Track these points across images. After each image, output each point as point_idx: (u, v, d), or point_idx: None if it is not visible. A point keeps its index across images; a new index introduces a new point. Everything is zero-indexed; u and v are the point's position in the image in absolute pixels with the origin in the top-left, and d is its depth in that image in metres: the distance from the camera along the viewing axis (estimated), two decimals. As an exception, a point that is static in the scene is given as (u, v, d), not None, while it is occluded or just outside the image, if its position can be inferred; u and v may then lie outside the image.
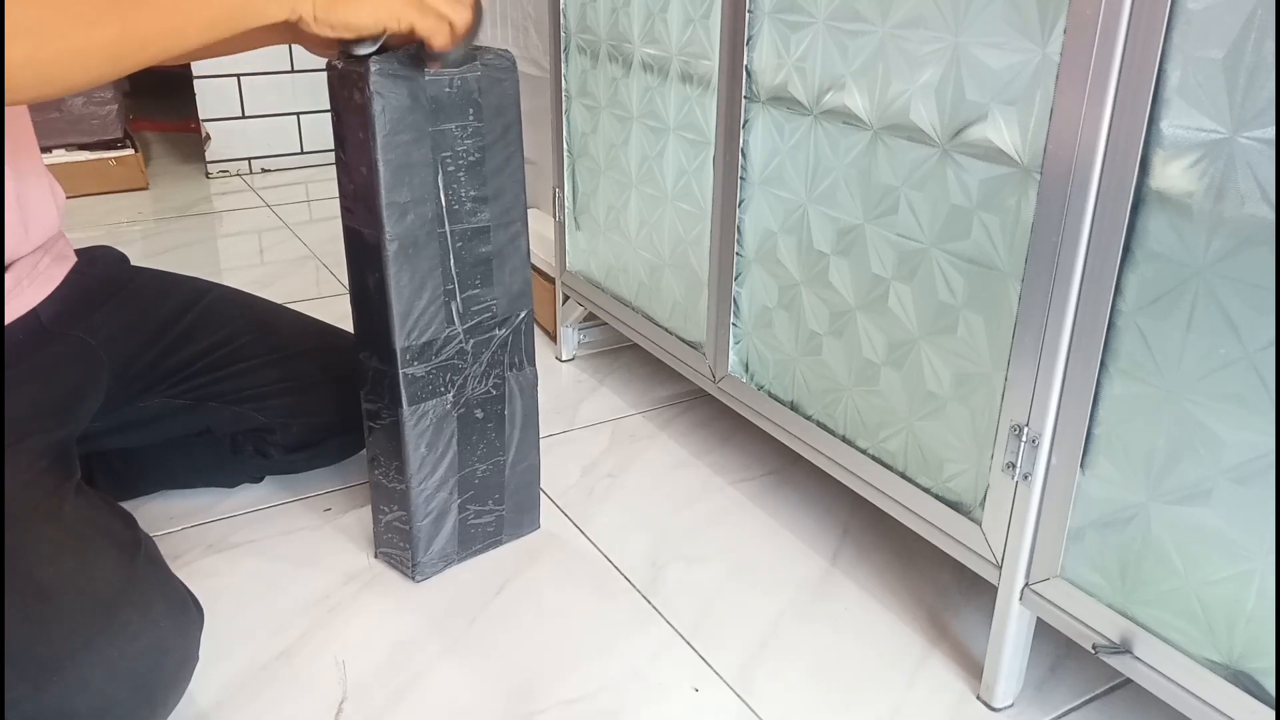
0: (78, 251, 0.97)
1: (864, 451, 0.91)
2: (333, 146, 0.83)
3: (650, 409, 1.30)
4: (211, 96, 2.42)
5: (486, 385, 0.93)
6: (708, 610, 0.92)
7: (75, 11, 0.62)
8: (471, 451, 0.94)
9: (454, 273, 0.87)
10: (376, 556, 0.98)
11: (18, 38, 0.59)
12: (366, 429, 0.93)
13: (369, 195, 0.81)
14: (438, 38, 0.76)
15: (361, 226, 0.83)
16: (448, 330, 0.88)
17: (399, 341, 0.85)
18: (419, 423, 0.89)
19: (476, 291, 0.89)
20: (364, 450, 1.14)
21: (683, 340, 1.16)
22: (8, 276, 0.84)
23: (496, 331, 0.92)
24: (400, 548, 0.95)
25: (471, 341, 0.90)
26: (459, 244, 0.86)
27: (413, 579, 0.95)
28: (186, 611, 0.74)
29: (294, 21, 0.70)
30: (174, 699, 0.73)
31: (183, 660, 0.73)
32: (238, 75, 2.42)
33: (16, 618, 0.64)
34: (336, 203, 2.60)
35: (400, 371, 0.86)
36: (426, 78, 0.80)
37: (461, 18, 0.77)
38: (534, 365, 0.96)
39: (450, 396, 0.90)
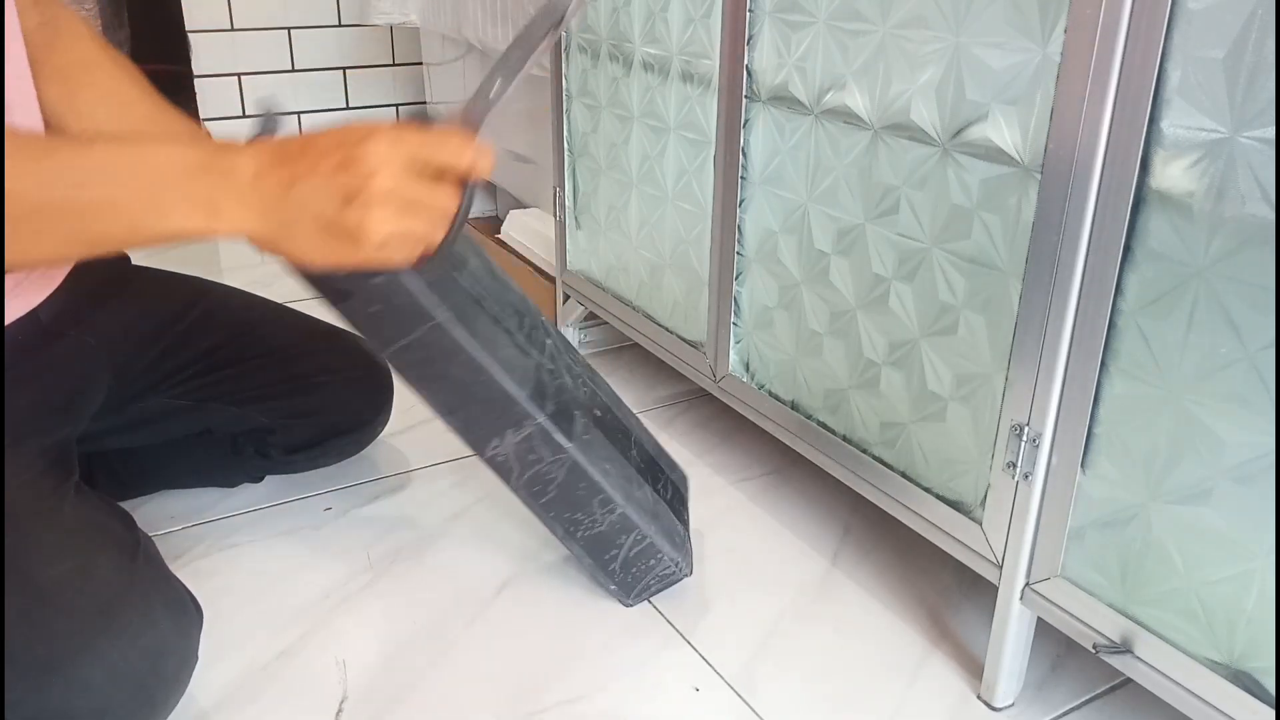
0: (79, 251, 0.97)
1: (865, 451, 0.91)
2: None
3: (651, 408, 1.30)
4: (212, 96, 2.42)
5: (577, 383, 0.92)
6: (708, 610, 0.92)
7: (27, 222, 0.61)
8: (619, 442, 0.92)
9: (494, 313, 0.85)
10: (631, 604, 0.92)
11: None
12: (539, 501, 0.87)
13: (406, 316, 0.77)
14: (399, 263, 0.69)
15: (412, 338, 0.78)
16: (528, 360, 0.86)
17: (521, 394, 0.81)
18: (587, 448, 0.86)
19: (514, 317, 0.89)
20: (364, 450, 1.15)
21: (683, 340, 1.16)
22: (8, 276, 0.84)
23: (545, 337, 0.91)
24: (657, 563, 0.90)
25: (543, 354, 0.89)
26: (483, 290, 0.85)
27: (690, 573, 0.93)
28: (186, 612, 0.74)
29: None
30: (174, 699, 0.73)
31: (182, 661, 0.73)
32: (238, 75, 2.41)
33: (16, 619, 0.64)
34: (337, 202, 2.53)
35: (543, 418, 0.82)
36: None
37: (435, 238, 0.68)
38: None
39: (579, 412, 0.88)
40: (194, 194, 0.63)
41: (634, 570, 0.91)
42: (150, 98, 0.92)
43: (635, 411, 1.27)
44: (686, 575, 0.93)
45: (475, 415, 0.82)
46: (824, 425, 0.96)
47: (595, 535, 0.89)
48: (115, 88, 0.91)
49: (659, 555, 0.90)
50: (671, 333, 1.18)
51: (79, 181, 0.62)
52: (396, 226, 0.64)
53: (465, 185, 0.67)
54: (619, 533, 0.89)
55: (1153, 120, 0.61)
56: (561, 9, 0.72)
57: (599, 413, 0.92)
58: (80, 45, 0.91)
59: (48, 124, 0.85)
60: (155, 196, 0.63)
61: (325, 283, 0.75)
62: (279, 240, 0.65)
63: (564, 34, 1.27)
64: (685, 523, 0.97)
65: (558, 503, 0.87)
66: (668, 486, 0.98)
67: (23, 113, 0.84)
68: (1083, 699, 0.83)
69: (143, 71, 0.95)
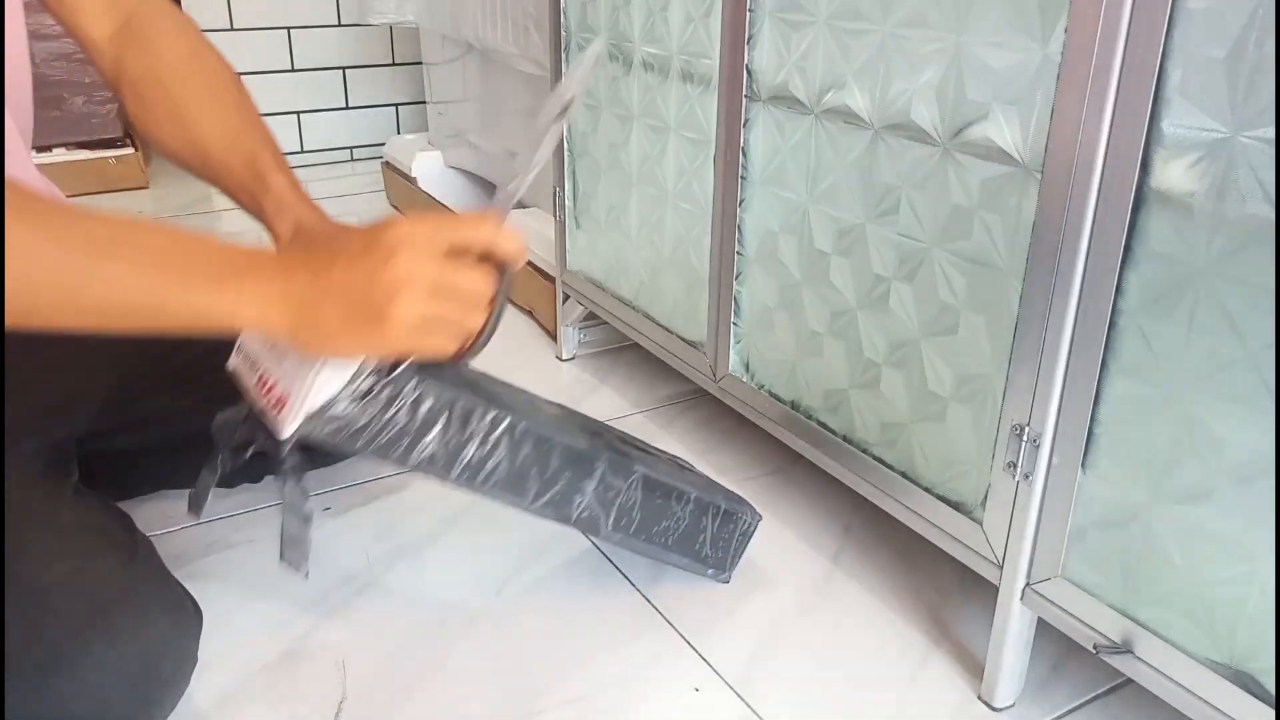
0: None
1: (865, 451, 0.91)
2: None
3: (651, 408, 1.30)
4: (212, 96, 2.42)
5: (566, 411, 0.92)
6: (709, 610, 0.92)
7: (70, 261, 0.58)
8: (631, 442, 0.93)
9: (493, 384, 0.84)
10: (728, 577, 0.95)
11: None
12: (630, 532, 0.87)
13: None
14: (434, 353, 0.67)
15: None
16: (551, 407, 0.87)
17: (581, 443, 0.82)
18: (640, 459, 0.87)
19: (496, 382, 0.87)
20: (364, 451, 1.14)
21: (683, 340, 1.16)
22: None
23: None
24: (735, 525, 0.94)
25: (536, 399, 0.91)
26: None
27: (760, 516, 0.96)
28: (185, 613, 0.74)
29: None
30: (173, 700, 0.73)
31: (181, 662, 0.73)
32: (238, 74, 2.41)
33: (14, 620, 0.64)
34: (337, 202, 2.60)
35: (605, 453, 0.83)
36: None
37: (472, 324, 0.66)
38: None
39: (602, 431, 0.89)
40: (222, 275, 0.62)
41: (720, 543, 0.93)
42: (221, 123, 0.86)
43: (635, 412, 1.27)
44: (760, 519, 0.97)
45: (560, 487, 0.82)
46: (824, 425, 0.96)
47: (681, 533, 0.91)
48: (180, 112, 0.85)
49: (734, 517, 0.94)
50: (671, 333, 1.18)
51: (106, 251, 0.60)
52: (428, 309, 0.63)
53: (502, 270, 0.67)
54: (698, 517, 0.91)
55: (1153, 120, 0.61)
56: (566, 99, 0.72)
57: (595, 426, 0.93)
58: (151, 52, 0.86)
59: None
60: (182, 271, 0.61)
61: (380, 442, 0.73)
62: (304, 327, 0.63)
63: (564, 33, 1.27)
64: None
65: (646, 523, 0.87)
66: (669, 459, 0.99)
67: (21, 111, 0.84)
68: (1083, 699, 0.83)
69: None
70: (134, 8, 0.88)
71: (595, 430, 0.90)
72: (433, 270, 0.63)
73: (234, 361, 0.77)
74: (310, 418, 0.69)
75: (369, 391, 0.70)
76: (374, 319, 0.62)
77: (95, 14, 0.87)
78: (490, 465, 0.77)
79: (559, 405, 0.92)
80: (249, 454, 0.74)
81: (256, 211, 0.84)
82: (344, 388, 0.69)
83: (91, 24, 0.88)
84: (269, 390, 0.71)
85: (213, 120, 0.85)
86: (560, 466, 0.81)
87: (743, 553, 0.96)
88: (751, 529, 0.95)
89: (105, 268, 0.60)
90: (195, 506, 0.74)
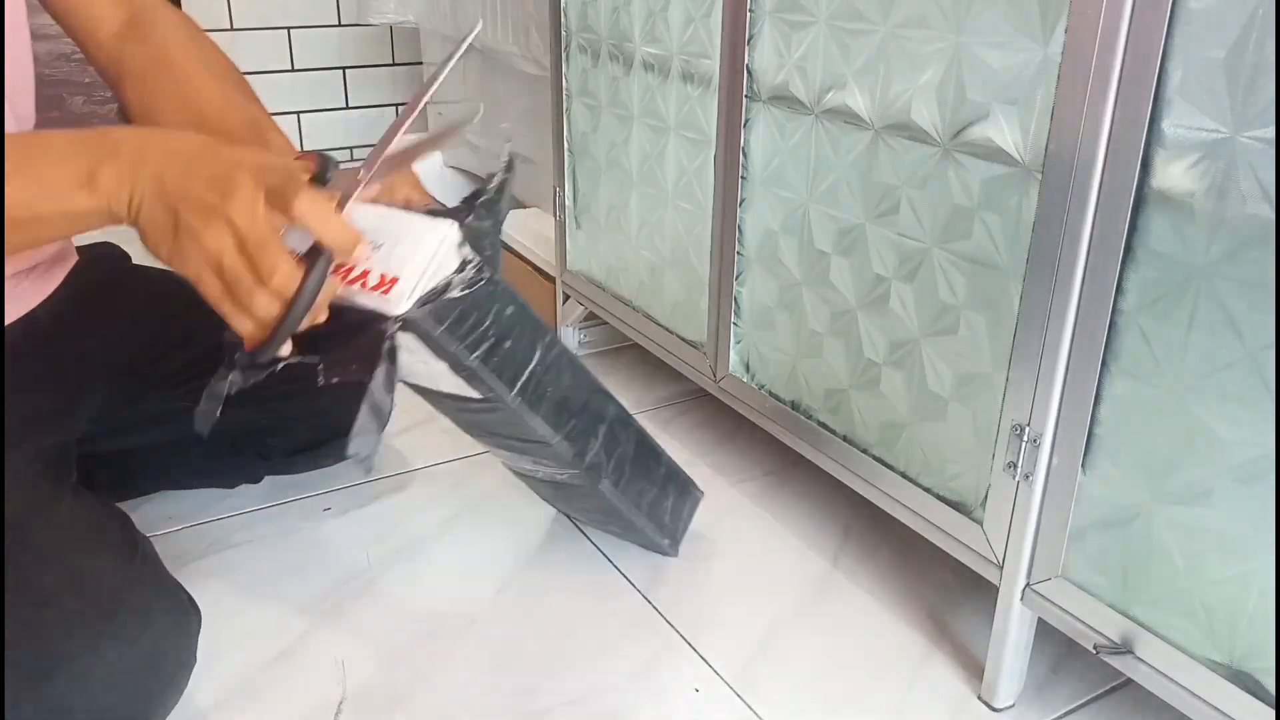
0: (79, 249, 0.97)
1: (865, 452, 0.91)
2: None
3: (651, 408, 1.30)
4: (212, 96, 2.41)
5: None
6: (709, 610, 0.92)
7: None
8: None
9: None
10: (675, 551, 0.98)
11: None
12: (620, 486, 0.89)
13: None
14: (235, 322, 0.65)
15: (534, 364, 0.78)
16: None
17: (597, 381, 0.86)
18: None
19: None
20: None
21: (683, 340, 1.16)
22: (7, 278, 0.84)
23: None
24: (688, 497, 0.98)
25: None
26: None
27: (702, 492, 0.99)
28: (184, 614, 0.74)
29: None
30: (172, 701, 0.73)
31: (181, 662, 0.73)
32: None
33: (14, 621, 0.64)
34: (337, 202, 2.54)
35: (611, 398, 0.86)
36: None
37: (260, 308, 0.63)
38: None
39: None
40: (78, 167, 0.62)
41: (677, 514, 0.97)
42: (219, 92, 0.86)
43: (635, 412, 1.27)
44: (703, 495, 1.01)
45: (583, 423, 0.84)
46: (824, 425, 0.96)
47: (653, 499, 0.93)
48: (181, 87, 0.86)
49: (689, 490, 0.99)
50: (671, 333, 1.18)
51: None
52: (231, 259, 0.61)
53: (316, 258, 0.62)
54: (665, 484, 0.94)
55: (1154, 120, 0.61)
56: (464, 121, 0.72)
57: None
58: (153, 44, 0.88)
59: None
60: (44, 171, 0.62)
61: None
62: (142, 220, 0.62)
63: (565, 33, 1.27)
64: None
65: (633, 481, 0.90)
66: None
67: (22, 98, 0.84)
68: (1084, 700, 0.82)
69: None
70: (139, 12, 0.90)
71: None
72: (254, 229, 0.60)
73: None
74: (421, 299, 0.67)
75: (474, 282, 0.69)
76: (183, 234, 0.61)
77: (104, 11, 0.88)
78: (545, 386, 0.78)
79: None
80: (267, 365, 0.69)
81: None
82: (454, 273, 0.68)
83: (97, 21, 0.88)
84: (363, 276, 0.68)
85: (211, 92, 0.86)
86: (588, 400, 0.83)
87: (689, 527, 1.00)
88: (697, 504, 1.00)
89: None
90: (201, 425, 0.69)
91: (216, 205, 0.59)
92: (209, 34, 0.93)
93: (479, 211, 0.71)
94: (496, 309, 0.73)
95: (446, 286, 0.69)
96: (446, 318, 0.70)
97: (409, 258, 0.68)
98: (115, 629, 0.67)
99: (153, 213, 0.61)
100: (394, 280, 0.67)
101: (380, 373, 0.68)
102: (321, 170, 0.65)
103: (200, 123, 0.86)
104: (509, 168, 0.73)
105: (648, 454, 0.91)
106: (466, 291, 0.70)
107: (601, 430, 0.85)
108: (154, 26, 0.89)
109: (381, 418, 0.70)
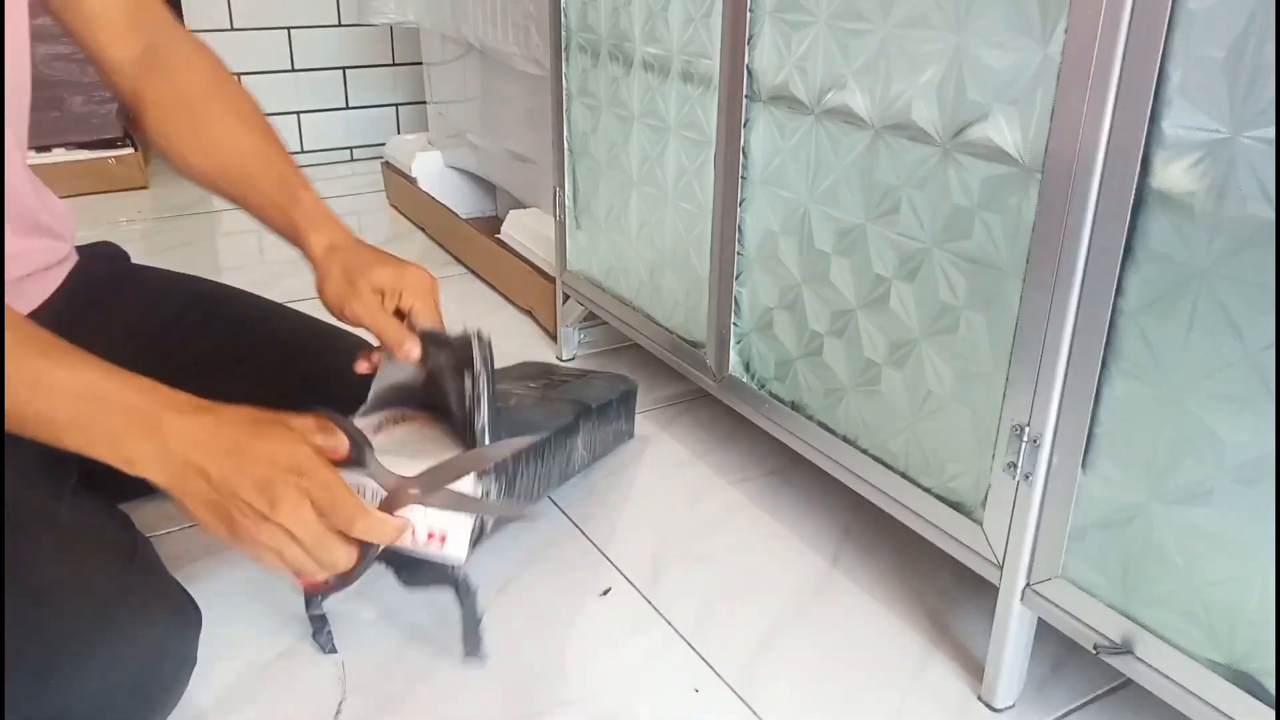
0: (79, 249, 0.97)
1: (865, 452, 0.91)
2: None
3: (651, 408, 1.30)
4: (212, 96, 2.41)
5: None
6: (708, 611, 0.92)
7: None
8: None
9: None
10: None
11: None
12: (593, 448, 1.10)
13: None
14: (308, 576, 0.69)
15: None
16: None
17: (566, 416, 1.04)
18: (585, 388, 1.15)
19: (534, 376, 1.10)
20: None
21: (684, 340, 1.16)
22: (8, 279, 0.84)
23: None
24: None
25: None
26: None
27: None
28: (184, 614, 0.74)
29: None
30: (172, 702, 0.73)
31: (180, 663, 0.73)
32: (238, 75, 2.41)
33: (13, 621, 0.64)
34: (337, 203, 2.58)
35: (579, 417, 1.01)
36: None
37: (336, 562, 0.68)
38: None
39: (550, 367, 1.14)
40: (118, 445, 0.64)
41: (626, 413, 1.22)
42: (247, 144, 0.87)
43: (636, 413, 1.27)
44: (637, 383, 1.24)
45: (566, 455, 1.03)
46: (824, 425, 0.96)
47: (615, 429, 1.18)
48: (202, 135, 0.87)
49: (632, 392, 1.23)
50: (671, 333, 1.18)
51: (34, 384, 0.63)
52: (291, 551, 0.65)
53: (367, 552, 0.68)
54: (619, 407, 1.18)
55: (1153, 120, 0.61)
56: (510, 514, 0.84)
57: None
58: (174, 82, 0.87)
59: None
60: (88, 435, 0.64)
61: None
62: (182, 495, 0.66)
63: (565, 33, 1.27)
64: None
65: (602, 439, 1.12)
66: None
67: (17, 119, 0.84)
68: (1083, 700, 0.82)
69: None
70: (154, 34, 0.89)
71: (550, 383, 1.04)
72: (305, 535, 0.65)
73: None
74: (473, 539, 0.76)
75: (501, 488, 0.79)
76: (240, 530, 0.65)
77: (115, 35, 0.88)
78: (553, 472, 0.89)
79: (529, 376, 1.07)
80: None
81: (287, 227, 0.85)
82: (484, 497, 0.76)
83: (112, 45, 0.88)
84: (412, 534, 0.75)
85: (238, 141, 0.87)
86: (563, 445, 1.00)
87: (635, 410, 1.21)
88: (636, 387, 1.22)
89: (22, 407, 0.63)
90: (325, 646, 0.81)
91: (267, 514, 0.64)
92: (205, 34, 0.92)
93: (483, 439, 0.78)
94: (524, 472, 0.85)
95: (484, 525, 0.78)
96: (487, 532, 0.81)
97: (442, 514, 0.75)
98: (114, 630, 0.67)
99: (198, 500, 0.65)
100: (442, 536, 0.75)
101: (465, 602, 0.82)
102: (358, 457, 0.71)
103: (224, 174, 0.87)
104: (486, 365, 0.78)
105: (608, 410, 1.11)
106: (502, 494, 0.80)
107: (579, 441, 0.98)
108: (174, 62, 0.88)
109: (478, 625, 0.83)
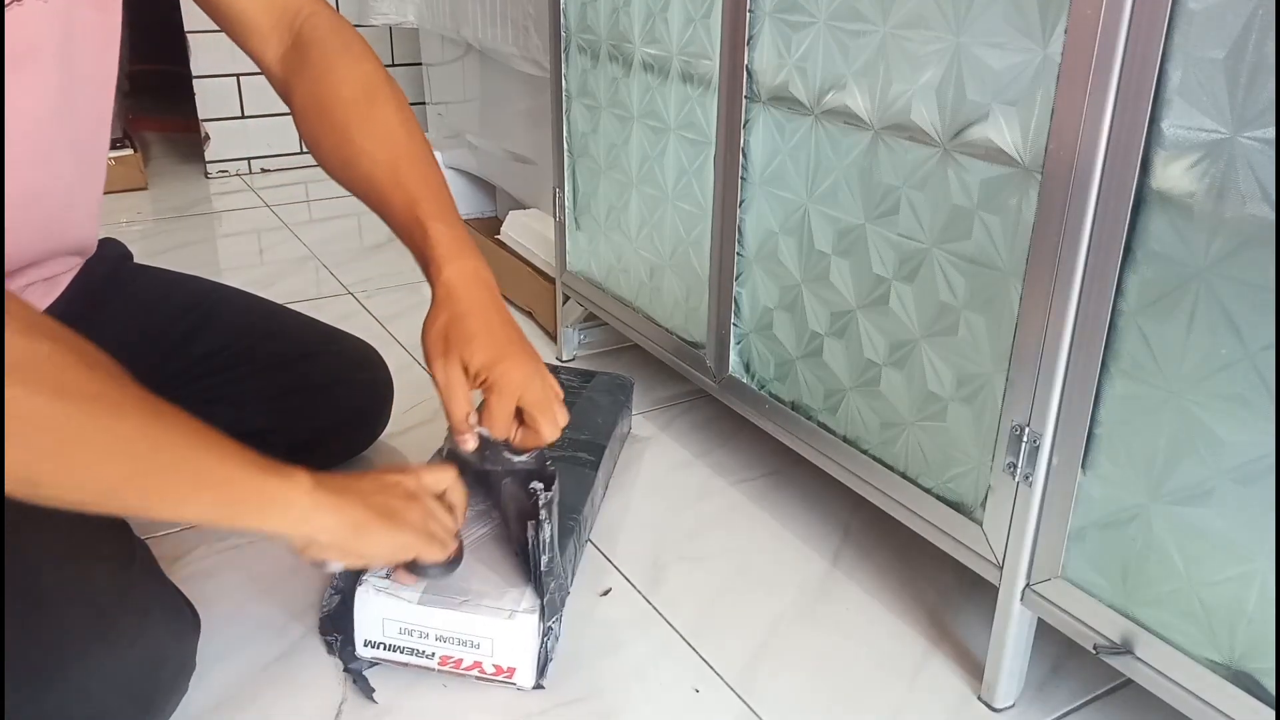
0: (80, 249, 0.97)
1: (865, 452, 0.91)
2: None
3: (651, 409, 1.30)
4: (211, 96, 2.42)
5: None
6: (709, 611, 0.92)
7: (89, 438, 0.59)
8: None
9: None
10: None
11: (19, 441, 0.54)
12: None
13: None
14: (434, 556, 0.78)
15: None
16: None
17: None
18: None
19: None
20: (364, 451, 1.15)
21: (683, 340, 1.16)
22: (8, 280, 0.84)
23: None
24: None
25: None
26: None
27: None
28: (183, 618, 0.74)
29: (299, 546, 0.69)
30: (171, 705, 0.73)
31: (180, 667, 0.73)
32: (237, 75, 2.41)
33: (12, 625, 0.64)
34: (336, 203, 2.59)
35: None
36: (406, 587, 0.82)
37: (452, 541, 0.79)
38: None
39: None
40: (264, 489, 0.68)
41: (628, 405, 1.22)
42: (384, 162, 0.84)
43: (635, 413, 1.27)
44: (633, 382, 1.25)
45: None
46: (824, 426, 0.96)
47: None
48: (342, 146, 0.85)
49: (630, 391, 1.23)
50: (671, 333, 1.18)
51: (159, 444, 0.64)
52: (434, 519, 0.77)
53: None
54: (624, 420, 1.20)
55: (1153, 120, 0.61)
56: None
57: None
58: (322, 87, 0.85)
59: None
60: (227, 501, 0.66)
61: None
62: (349, 538, 0.70)
63: (564, 34, 1.27)
64: None
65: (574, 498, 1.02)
66: None
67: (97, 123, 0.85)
68: (1083, 700, 0.83)
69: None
70: (300, 29, 0.87)
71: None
72: (432, 506, 0.77)
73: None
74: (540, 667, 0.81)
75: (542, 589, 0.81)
76: (393, 518, 0.73)
77: (262, 36, 0.88)
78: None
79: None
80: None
81: (417, 256, 0.83)
82: (531, 611, 0.80)
83: (261, 46, 0.88)
84: (475, 665, 0.81)
85: (375, 157, 0.84)
86: (591, 505, 1.02)
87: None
88: (632, 387, 1.23)
89: (155, 462, 0.63)
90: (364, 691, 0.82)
91: (415, 493, 0.78)
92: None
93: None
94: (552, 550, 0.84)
95: (539, 618, 0.81)
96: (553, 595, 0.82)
97: (501, 644, 0.80)
98: (113, 634, 0.66)
99: (357, 501, 0.72)
100: (510, 670, 0.81)
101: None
102: (456, 560, 0.80)
103: (361, 191, 0.85)
104: (550, 502, 0.82)
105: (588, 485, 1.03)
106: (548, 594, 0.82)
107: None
108: (316, 65, 0.86)
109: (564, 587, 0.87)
